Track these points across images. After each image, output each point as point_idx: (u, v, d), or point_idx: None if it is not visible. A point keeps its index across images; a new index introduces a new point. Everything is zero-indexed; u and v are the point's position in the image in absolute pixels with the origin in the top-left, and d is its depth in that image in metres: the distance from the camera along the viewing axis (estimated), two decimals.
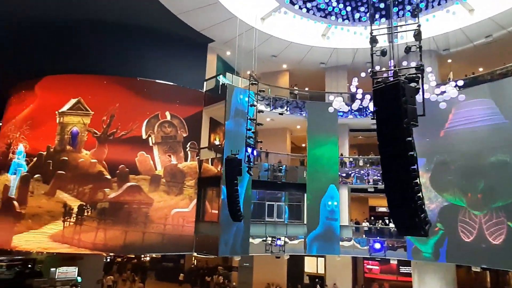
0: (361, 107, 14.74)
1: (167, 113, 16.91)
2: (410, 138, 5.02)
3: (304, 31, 18.03)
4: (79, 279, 17.90)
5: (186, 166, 16.90)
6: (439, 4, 15.01)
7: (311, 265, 21.84)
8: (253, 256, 19.44)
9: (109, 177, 15.59)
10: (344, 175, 18.55)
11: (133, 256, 26.05)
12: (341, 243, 17.50)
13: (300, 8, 15.79)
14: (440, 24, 16.19)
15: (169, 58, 18.18)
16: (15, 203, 15.90)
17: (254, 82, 13.76)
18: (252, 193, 16.82)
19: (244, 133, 13.34)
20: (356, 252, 17.80)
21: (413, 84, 5.46)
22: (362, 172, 18.56)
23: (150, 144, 16.40)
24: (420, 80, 5.75)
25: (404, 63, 13.01)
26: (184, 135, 17.11)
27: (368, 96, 13.63)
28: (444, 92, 12.66)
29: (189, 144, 17.11)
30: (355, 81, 13.70)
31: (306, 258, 21.66)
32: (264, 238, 16.71)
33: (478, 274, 19.32)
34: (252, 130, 13.45)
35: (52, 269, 17.78)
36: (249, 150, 13.05)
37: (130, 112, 16.33)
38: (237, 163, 12.61)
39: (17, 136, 16.98)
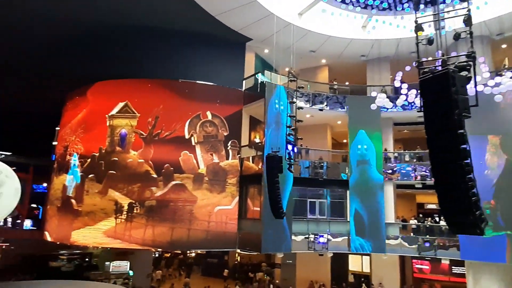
0: (406, 102, 14.07)
1: (208, 113, 17.32)
2: (462, 131, 4.73)
3: (343, 24, 17.58)
4: (131, 272, 18.93)
5: (228, 164, 17.21)
6: None
7: (356, 264, 21.33)
8: (296, 254, 19.38)
9: (155, 176, 16.29)
10: (389, 171, 17.88)
11: (179, 252, 27.03)
12: (387, 241, 16.91)
13: (338, 1, 15.42)
14: (492, 8, 15.04)
15: (209, 59, 18.61)
16: (73, 201, 17.17)
17: (293, 79, 13.68)
18: (293, 190, 16.75)
19: (284, 131, 13.31)
20: (403, 251, 17.10)
21: (463, 73, 5.13)
22: (408, 167, 17.77)
23: (193, 143, 16.90)
24: (471, 68, 5.39)
25: (453, 54, 12.25)
26: (225, 134, 17.43)
27: (413, 91, 12.99)
28: (500, 83, 11.76)
29: (230, 142, 17.41)
30: (399, 76, 13.10)
31: (350, 256, 21.20)
32: (307, 236, 16.60)
33: None
34: (292, 127, 13.39)
35: (106, 263, 18.97)
36: (290, 147, 13.02)
37: (173, 113, 16.95)
38: (277, 161, 12.61)
39: (72, 139, 18.30)
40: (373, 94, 15.33)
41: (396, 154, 18.89)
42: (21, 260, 21.64)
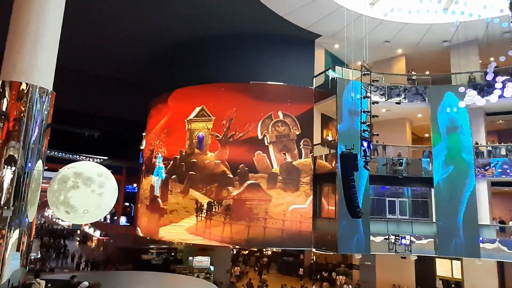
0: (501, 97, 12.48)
1: (280, 113, 17.48)
2: None
3: (421, 8, 16.24)
4: (211, 268, 19.99)
5: (301, 163, 17.17)
6: None
7: (445, 268, 19.53)
8: (375, 255, 18.50)
9: (231, 176, 16.99)
10: (481, 166, 16.04)
11: (256, 249, 27.74)
12: (481, 245, 15.20)
13: None
14: None
15: (278, 59, 18.78)
16: (159, 200, 18.78)
17: (366, 73, 13.10)
18: (371, 189, 16.02)
19: (358, 127, 12.82)
20: (502, 256, 15.20)
21: None
22: (506, 162, 15.73)
23: (266, 143, 17.22)
24: None
25: None
26: (297, 132, 17.41)
27: (510, 84, 11.44)
28: None
29: (302, 141, 17.35)
30: (491, 68, 11.50)
31: (438, 260, 19.51)
32: (386, 237, 15.72)
33: None
34: (367, 123, 12.83)
35: (190, 258, 20.32)
36: (365, 144, 12.49)
37: (246, 115, 17.49)
38: (352, 158, 12.21)
39: (157, 143, 20.04)
40: (461, 90, 13.93)
41: (489, 148, 16.87)
42: (118, 252, 24.32)
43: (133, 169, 26.53)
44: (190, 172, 17.78)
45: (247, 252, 28.87)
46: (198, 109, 18.21)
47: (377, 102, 14.88)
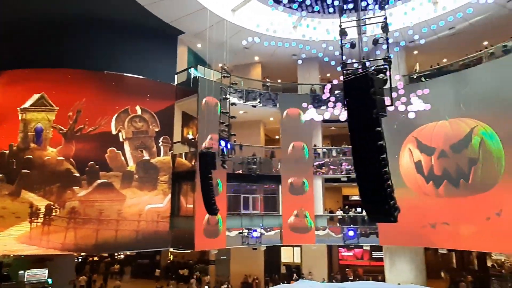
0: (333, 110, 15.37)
1: (138, 108, 16.48)
2: (379, 128, 5.14)
3: (276, 23, 17.97)
4: (49, 281, 17.26)
5: (159, 161, 16.60)
6: None
7: (288, 255, 22.18)
8: (230, 249, 19.50)
9: (77, 175, 15.05)
10: (318, 166, 18.87)
11: (107, 255, 25.43)
12: (316, 232, 17.88)
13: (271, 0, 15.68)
14: (407, 17, 16.62)
15: (139, 51, 17.60)
16: None
17: (226, 75, 13.63)
18: (227, 186, 16.78)
19: (217, 127, 13.23)
20: (331, 241, 18.26)
21: (381, 76, 5.58)
22: (335, 162, 18.95)
23: (121, 139, 15.95)
24: (387, 72, 5.89)
25: (377, 52, 13.41)
26: (156, 129, 16.75)
27: (339, 104, 14.28)
28: (411, 104, 13.43)
29: (161, 139, 16.79)
30: (327, 88, 14.14)
31: (283, 248, 21.98)
32: (241, 231, 16.78)
33: (444, 255, 20.39)
34: (225, 124, 13.36)
35: (20, 272, 17.02)
36: (223, 143, 12.98)
37: (98, 107, 15.77)
38: (211, 157, 12.49)
39: None
40: (304, 105, 16.52)
41: (324, 150, 20.01)
42: None
43: None
44: (24, 171, 14.90)
45: (96, 258, 26.18)
46: (36, 96, 15.40)
47: (235, 104, 15.73)
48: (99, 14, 16.32)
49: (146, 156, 16.30)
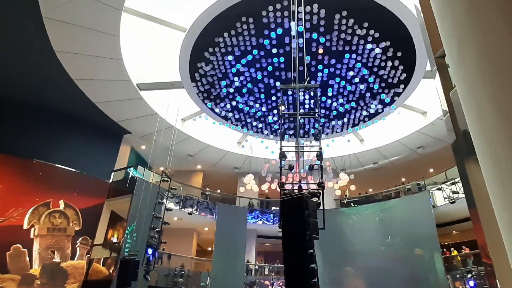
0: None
1: (61, 202, 15.06)
2: (311, 251, 5.21)
3: (222, 136, 19.12)
4: None
5: (71, 265, 14.51)
6: (337, 131, 17.67)
7: None
8: None
9: None
10: (248, 283, 17.79)
11: None
12: None
13: (220, 116, 16.94)
14: (338, 148, 18.79)
15: (79, 144, 16.90)
16: None
17: (166, 179, 13.46)
18: None
19: (147, 232, 12.36)
20: None
21: (315, 199, 5.94)
22: (267, 280, 18.09)
23: (31, 236, 13.97)
24: (321, 195, 6.31)
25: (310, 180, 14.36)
26: (77, 228, 15.12)
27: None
28: None
29: (80, 239, 15.05)
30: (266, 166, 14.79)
31: None
32: None
33: None
34: (156, 229, 12.57)
35: None
36: (150, 251, 11.97)
37: (14, 197, 14.11)
38: (133, 266, 11.31)
39: None
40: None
41: (257, 267, 19.23)
42: None
43: None
44: None
45: None
46: None
47: (171, 209, 15.12)
48: (43, 101, 15.84)
49: (56, 258, 14.22)
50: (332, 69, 13.04)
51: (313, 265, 5.17)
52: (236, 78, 13.81)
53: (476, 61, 1.74)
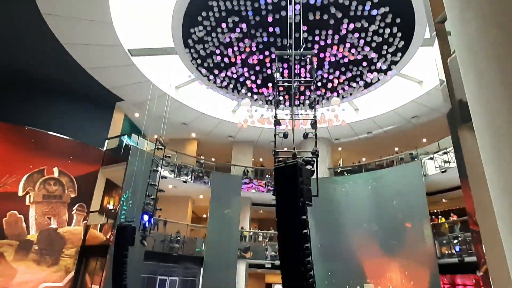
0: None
1: (55, 169, 15.06)
2: (304, 217, 5.31)
3: (216, 104, 18.90)
4: None
5: (68, 231, 14.76)
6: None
7: None
8: None
9: None
10: (243, 249, 18.32)
11: None
12: None
13: (215, 83, 16.66)
14: (333, 117, 18.72)
15: (71, 112, 16.71)
16: None
17: (160, 147, 13.43)
18: (144, 266, 15.24)
19: (142, 199, 12.50)
20: None
21: (309, 167, 5.98)
22: (261, 246, 18.65)
23: (27, 203, 14.08)
24: (315, 164, 6.35)
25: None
26: (72, 195, 15.24)
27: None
28: None
29: (76, 206, 15.21)
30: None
31: None
32: None
33: None
34: (152, 196, 12.71)
35: None
36: (146, 217, 12.16)
37: (7, 163, 14.04)
38: (130, 231, 11.54)
39: None
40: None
41: (251, 233, 19.73)
42: None
43: None
44: None
45: None
46: None
47: (165, 177, 15.22)
48: (32, 67, 15.48)
49: (53, 224, 14.43)
50: (329, 40, 12.73)
51: (305, 231, 5.29)
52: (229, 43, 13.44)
53: (479, 24, 1.68)
